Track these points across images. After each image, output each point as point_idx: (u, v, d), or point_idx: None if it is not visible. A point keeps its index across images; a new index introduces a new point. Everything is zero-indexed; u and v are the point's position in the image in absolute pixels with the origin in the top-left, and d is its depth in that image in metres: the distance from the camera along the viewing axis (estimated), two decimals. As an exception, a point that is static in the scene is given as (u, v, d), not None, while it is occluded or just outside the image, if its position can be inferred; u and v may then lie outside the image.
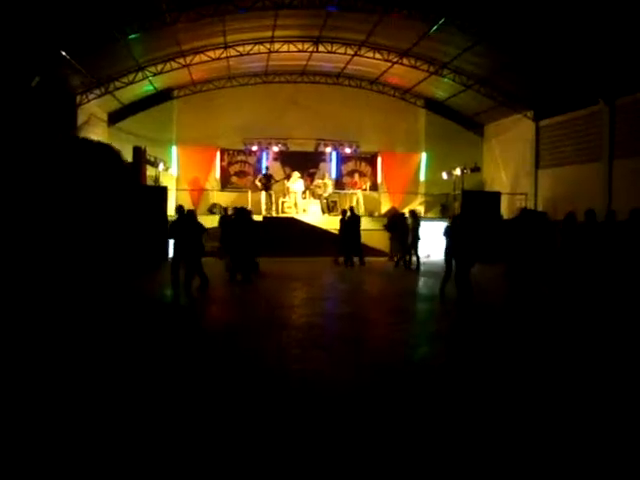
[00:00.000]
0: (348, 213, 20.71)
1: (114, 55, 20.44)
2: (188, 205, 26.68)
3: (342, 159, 28.78)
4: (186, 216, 13.88)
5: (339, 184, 28.20)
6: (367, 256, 20.69)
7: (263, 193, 25.41)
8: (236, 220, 15.79)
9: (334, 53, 24.15)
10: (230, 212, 19.01)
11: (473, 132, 28.69)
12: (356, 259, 19.95)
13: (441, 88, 26.57)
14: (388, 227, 20.98)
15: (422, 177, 29.01)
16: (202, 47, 22.82)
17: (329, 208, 26.46)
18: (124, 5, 16.81)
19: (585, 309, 11.18)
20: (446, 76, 24.56)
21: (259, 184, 25.61)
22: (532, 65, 20.89)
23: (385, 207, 27.71)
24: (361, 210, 26.70)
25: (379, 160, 28.99)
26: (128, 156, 23.76)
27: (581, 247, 11.94)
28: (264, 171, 26.52)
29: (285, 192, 26.25)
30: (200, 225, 13.91)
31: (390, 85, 27.99)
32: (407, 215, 20.19)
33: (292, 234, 22.54)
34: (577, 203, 20.57)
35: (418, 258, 19.23)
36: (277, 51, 23.90)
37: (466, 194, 23.51)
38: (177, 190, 26.87)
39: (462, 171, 25.62)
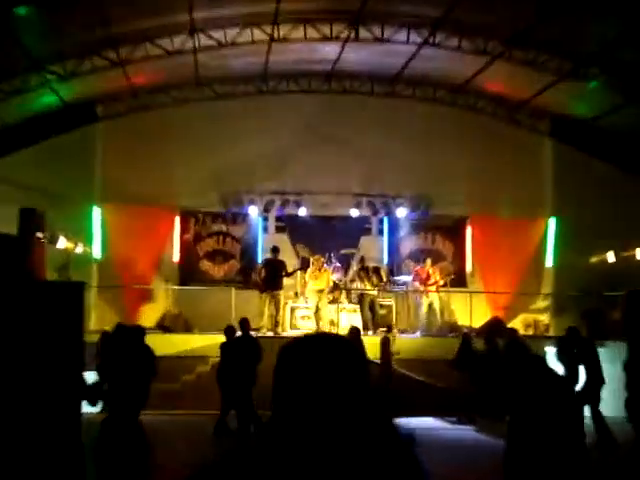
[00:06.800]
0: None
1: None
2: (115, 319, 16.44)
3: (399, 230, 19.10)
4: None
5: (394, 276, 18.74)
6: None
7: (264, 295, 16.08)
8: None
9: (387, 41, 16.44)
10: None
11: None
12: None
13: (584, 100, 17.55)
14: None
15: (549, 262, 19.04)
16: (150, 31, 15.97)
17: (374, 319, 16.02)
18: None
19: None
20: (593, 79, 16.42)
21: (258, 278, 16.49)
22: None
23: (480, 316, 17.33)
24: (438, 322, 16.97)
25: (468, 232, 19.04)
26: (11, 226, 15.91)
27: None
28: (266, 254, 17.45)
29: (300, 292, 16.85)
30: None
31: (486, 96, 18.99)
32: None
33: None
34: None
35: None
36: (284, 39, 16.49)
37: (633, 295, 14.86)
38: (99, 287, 17.34)
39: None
